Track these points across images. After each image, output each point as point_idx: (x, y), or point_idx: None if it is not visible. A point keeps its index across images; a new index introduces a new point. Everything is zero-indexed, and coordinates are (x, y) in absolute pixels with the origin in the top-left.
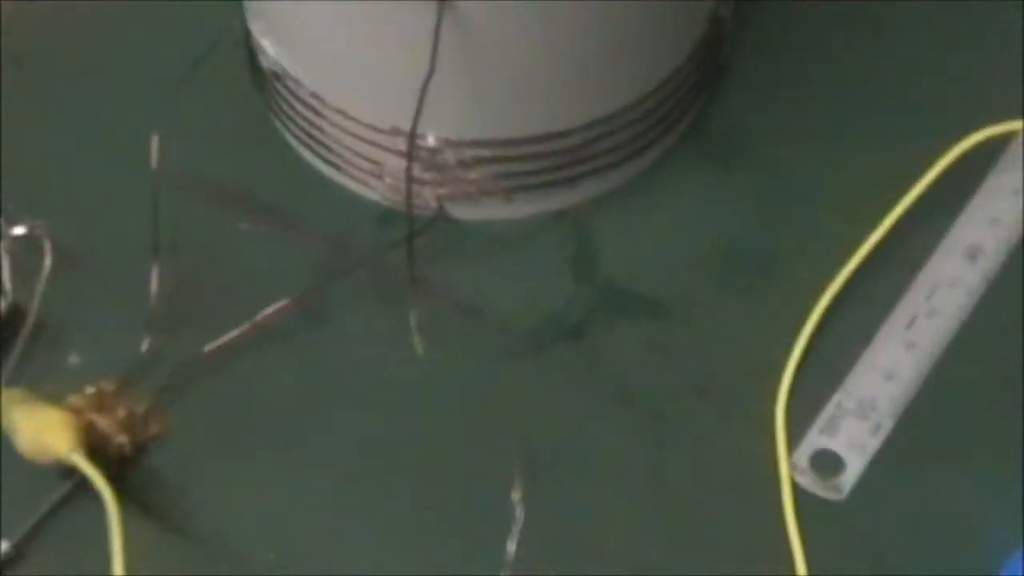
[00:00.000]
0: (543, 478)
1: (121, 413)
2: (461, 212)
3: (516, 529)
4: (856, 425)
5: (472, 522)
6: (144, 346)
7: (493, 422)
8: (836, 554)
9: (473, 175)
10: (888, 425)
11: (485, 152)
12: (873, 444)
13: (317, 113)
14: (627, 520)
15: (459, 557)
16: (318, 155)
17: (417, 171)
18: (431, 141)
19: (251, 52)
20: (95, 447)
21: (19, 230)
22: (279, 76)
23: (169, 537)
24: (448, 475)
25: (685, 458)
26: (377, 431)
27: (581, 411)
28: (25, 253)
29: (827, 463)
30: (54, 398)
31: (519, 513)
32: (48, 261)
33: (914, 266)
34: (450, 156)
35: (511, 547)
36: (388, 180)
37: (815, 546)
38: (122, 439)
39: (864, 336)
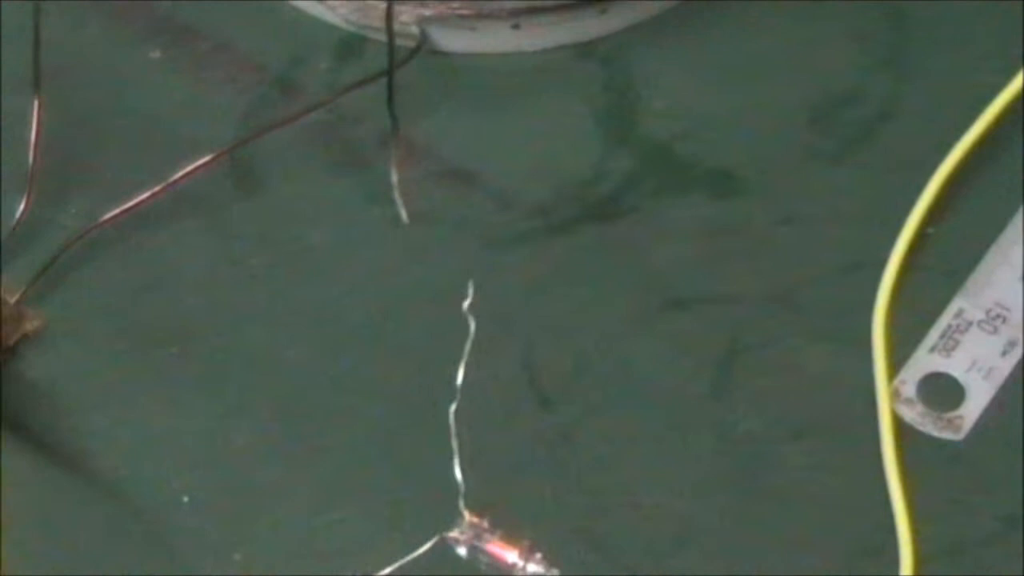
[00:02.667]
0: (557, 408)
1: None
2: (451, 42)
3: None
4: (982, 341)
5: (445, 473)
6: (18, 212)
7: (489, 333)
8: (952, 512)
9: None
10: None
11: None
12: (1004, 367)
13: None
14: (673, 465)
15: (429, 517)
16: None
17: None
18: None
19: None
20: None
21: None
22: None
23: (49, 468)
24: (421, 406)
25: (753, 384)
26: (326, 339)
27: (612, 321)
28: None
29: (942, 391)
30: None
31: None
32: None
33: None
34: None
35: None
36: None
37: (925, 502)
38: None
39: (995, 222)
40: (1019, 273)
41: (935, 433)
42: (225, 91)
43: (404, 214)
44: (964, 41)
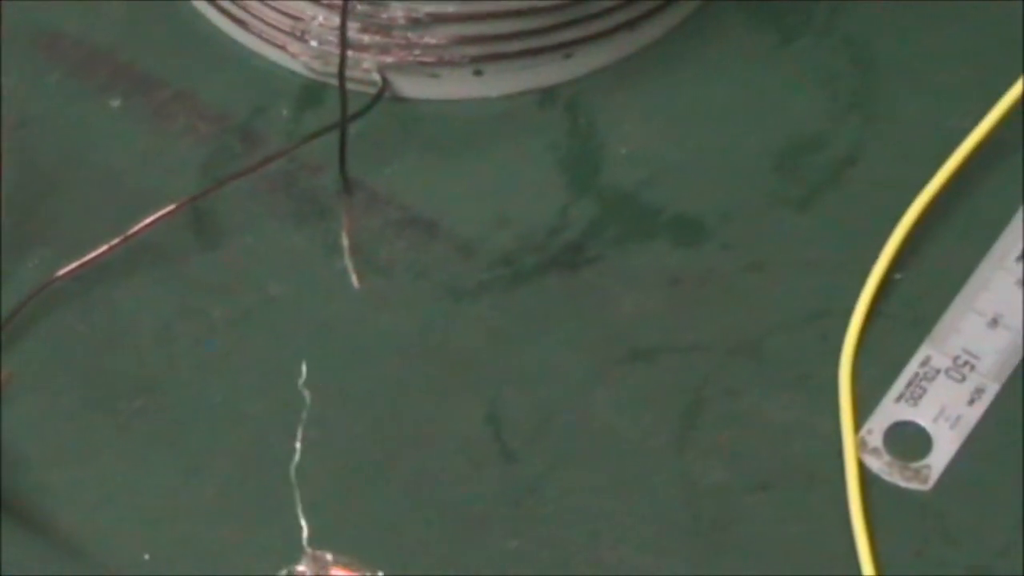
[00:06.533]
0: (522, 461)
1: None
2: (413, 89)
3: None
4: (949, 389)
5: (414, 522)
6: None
7: (452, 383)
8: (918, 564)
9: (429, 38)
10: (992, 390)
11: (446, 6)
12: (972, 415)
13: None
14: (636, 519)
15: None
16: (218, 7)
17: (352, 31)
18: None
19: None
20: None
21: None
22: None
23: (10, 525)
24: (384, 460)
25: (718, 435)
26: (287, 393)
27: (576, 372)
28: None
29: (908, 440)
30: None
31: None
32: None
33: None
34: (398, 11)
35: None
36: (313, 43)
37: (891, 553)
38: None
39: (962, 267)
40: (986, 320)
41: (902, 483)
42: (185, 140)
43: (355, 279)
44: (931, 85)
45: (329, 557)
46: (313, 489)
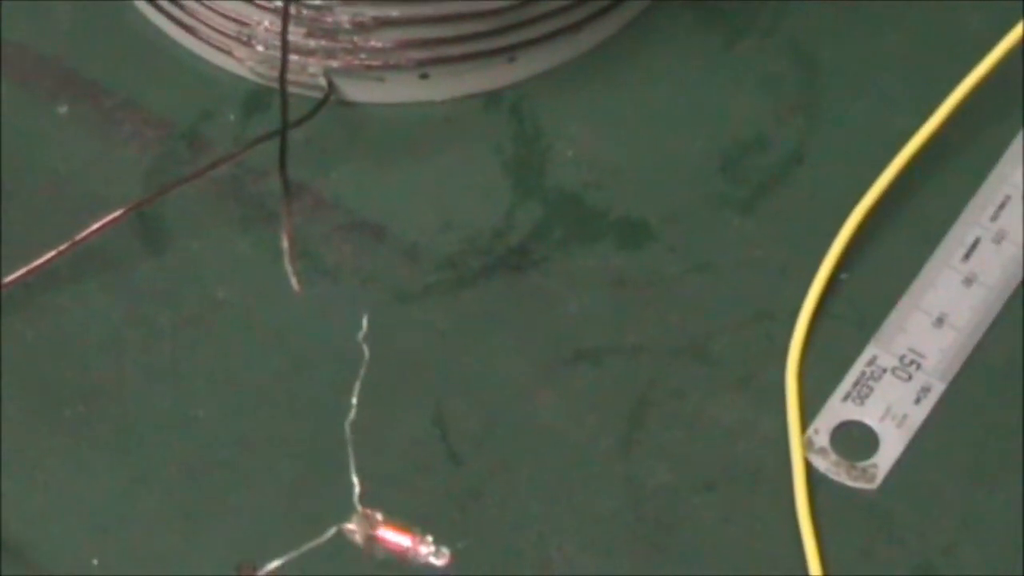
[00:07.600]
0: (468, 462)
1: None
2: (358, 93)
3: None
4: (896, 388)
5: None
6: None
7: (398, 387)
8: (865, 563)
9: (375, 42)
10: (938, 389)
11: (391, 10)
12: (918, 414)
13: None
14: (583, 521)
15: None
16: (164, 13)
17: (297, 35)
18: None
19: None
20: None
21: None
22: None
23: None
24: (329, 461)
25: (664, 436)
26: (234, 398)
27: (521, 374)
28: None
29: (855, 440)
30: None
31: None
32: None
33: (976, 174)
34: (343, 15)
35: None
36: (259, 48)
37: (838, 552)
38: None
39: (907, 268)
40: (932, 319)
41: (849, 483)
42: (132, 146)
43: (295, 282)
44: (875, 86)
45: (380, 516)
46: (262, 493)
